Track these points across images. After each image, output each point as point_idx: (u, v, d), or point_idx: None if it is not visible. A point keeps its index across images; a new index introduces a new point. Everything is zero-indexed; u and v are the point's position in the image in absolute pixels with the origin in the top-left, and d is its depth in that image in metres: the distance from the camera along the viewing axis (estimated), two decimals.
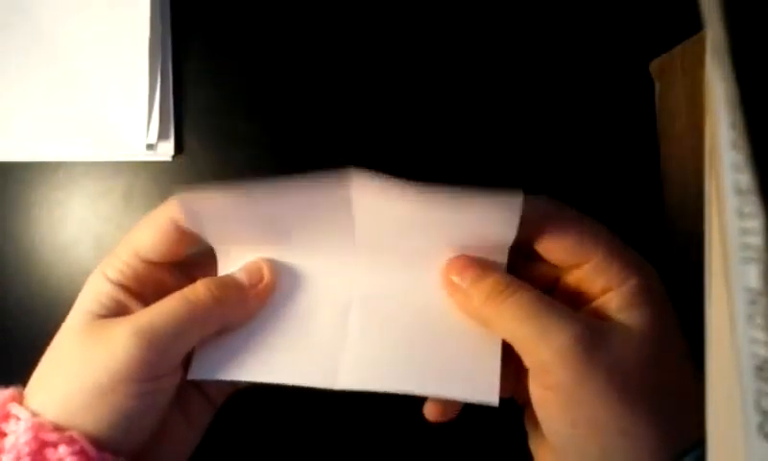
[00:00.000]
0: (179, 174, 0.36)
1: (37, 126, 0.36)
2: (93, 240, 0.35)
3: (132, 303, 0.27)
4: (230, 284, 0.27)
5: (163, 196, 0.36)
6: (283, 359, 0.27)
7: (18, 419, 0.24)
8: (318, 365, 0.27)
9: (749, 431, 0.16)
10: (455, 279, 0.26)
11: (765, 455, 0.16)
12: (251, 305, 0.28)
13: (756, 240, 0.15)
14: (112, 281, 0.27)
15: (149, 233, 0.28)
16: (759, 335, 0.15)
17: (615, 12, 0.37)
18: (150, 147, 0.36)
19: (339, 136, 0.36)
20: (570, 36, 0.37)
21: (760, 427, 0.16)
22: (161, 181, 0.36)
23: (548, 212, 0.26)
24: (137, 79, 0.36)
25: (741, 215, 0.15)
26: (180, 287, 0.28)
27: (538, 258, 0.27)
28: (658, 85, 0.36)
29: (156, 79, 0.36)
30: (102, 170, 0.36)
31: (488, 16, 0.37)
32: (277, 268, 0.28)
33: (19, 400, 0.26)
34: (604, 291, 0.25)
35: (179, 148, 0.36)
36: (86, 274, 0.35)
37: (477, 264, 0.26)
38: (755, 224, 0.15)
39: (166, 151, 0.36)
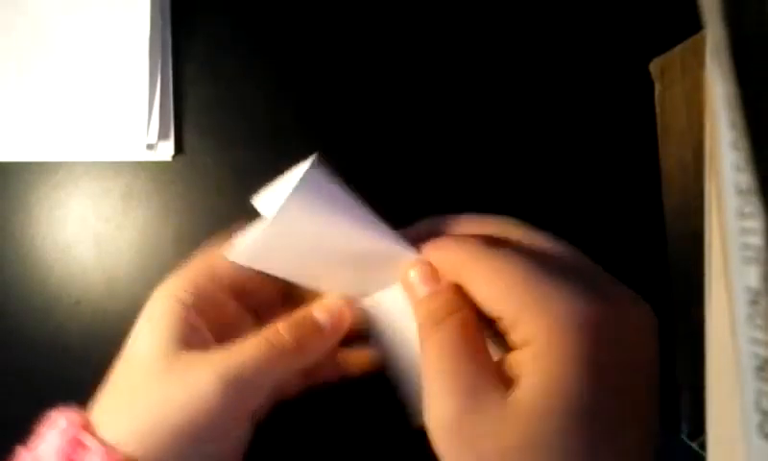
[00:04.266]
0: (179, 174, 0.36)
1: (37, 126, 0.36)
2: (93, 240, 0.35)
3: (203, 328, 0.26)
4: (311, 328, 0.26)
5: (163, 196, 0.36)
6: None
7: (89, 449, 0.24)
8: None
9: (749, 431, 0.16)
10: (414, 284, 0.24)
11: (765, 455, 0.16)
12: (329, 345, 0.26)
13: (757, 240, 0.15)
14: (189, 306, 0.26)
15: (230, 265, 0.26)
16: (759, 335, 0.15)
17: (615, 12, 0.37)
18: (150, 147, 0.36)
19: (339, 137, 0.36)
20: (570, 36, 0.37)
21: (760, 427, 0.16)
22: (161, 181, 0.36)
23: (464, 261, 0.23)
24: (137, 79, 0.36)
25: (741, 215, 0.15)
26: (239, 312, 0.27)
27: None
28: (658, 85, 0.36)
29: (156, 78, 0.36)
30: (102, 170, 0.36)
31: (488, 17, 0.37)
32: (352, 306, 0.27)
33: (89, 428, 0.25)
34: (522, 344, 0.22)
35: (179, 148, 0.36)
36: (86, 273, 0.35)
37: (435, 279, 0.24)
38: (755, 224, 0.15)
39: (166, 151, 0.36)
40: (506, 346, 0.22)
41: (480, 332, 0.22)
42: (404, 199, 0.34)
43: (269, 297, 0.29)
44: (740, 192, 0.15)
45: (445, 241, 0.24)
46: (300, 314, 0.26)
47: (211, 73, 0.37)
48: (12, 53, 0.36)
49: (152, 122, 0.36)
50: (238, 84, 0.37)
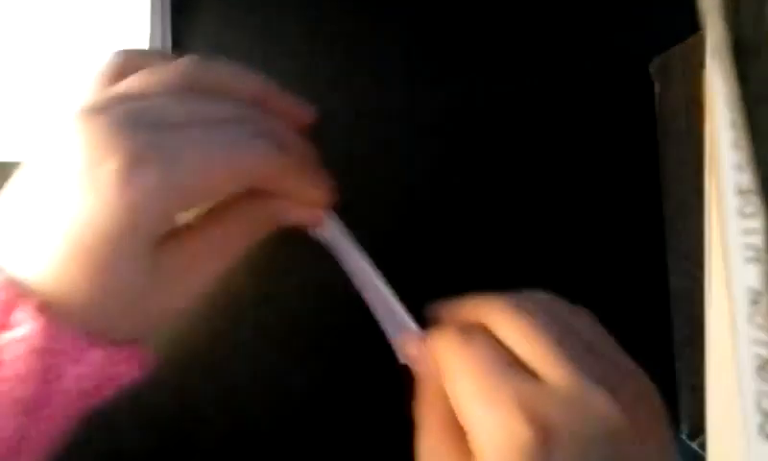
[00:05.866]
0: None
1: (38, 126, 0.36)
2: None
3: None
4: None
5: None
6: None
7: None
8: None
9: (749, 431, 0.16)
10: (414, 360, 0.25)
11: (765, 455, 0.16)
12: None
13: (757, 240, 0.15)
14: None
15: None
16: (759, 335, 0.15)
17: (615, 12, 0.37)
18: None
19: (338, 136, 0.36)
20: (570, 36, 0.37)
21: (761, 427, 0.16)
22: None
23: (437, 354, 0.24)
24: None
25: (742, 215, 0.15)
26: None
27: None
28: (658, 85, 0.36)
29: None
30: None
31: (488, 16, 0.37)
32: None
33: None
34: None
35: None
36: None
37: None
38: (755, 224, 0.15)
39: None
40: None
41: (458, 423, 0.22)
42: (403, 195, 0.34)
43: None
44: (740, 192, 0.15)
45: (432, 333, 0.24)
46: None
47: None
48: (11, 53, 0.36)
49: None
50: None
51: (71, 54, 0.36)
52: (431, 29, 0.37)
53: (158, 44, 0.36)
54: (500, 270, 0.35)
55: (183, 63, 0.24)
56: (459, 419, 0.22)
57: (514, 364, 0.21)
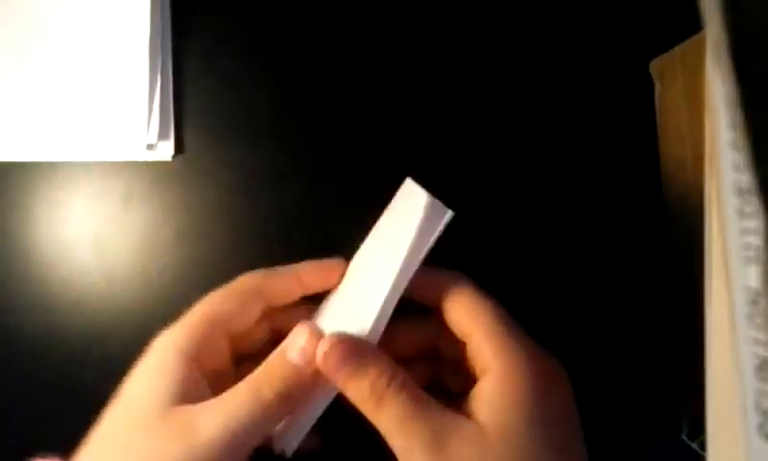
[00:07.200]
0: (179, 174, 0.36)
1: (37, 126, 0.36)
2: (93, 240, 0.35)
3: (201, 379, 0.26)
4: (292, 375, 0.26)
5: (163, 196, 0.36)
6: None
7: None
8: None
9: (749, 431, 0.16)
10: (330, 368, 0.26)
11: (765, 455, 0.16)
12: (310, 384, 0.27)
13: (756, 240, 0.15)
14: (191, 358, 0.26)
15: (233, 305, 0.27)
16: (759, 335, 0.15)
17: (615, 12, 0.37)
18: (150, 147, 0.36)
19: (340, 135, 0.36)
20: (570, 36, 0.37)
21: (760, 427, 0.16)
22: (161, 181, 0.36)
23: (451, 283, 0.28)
24: (137, 78, 0.36)
25: (741, 215, 0.15)
26: (230, 355, 0.28)
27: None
28: (658, 85, 0.36)
29: (155, 78, 0.36)
30: (102, 170, 0.36)
31: (489, 16, 0.37)
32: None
33: None
34: (482, 373, 0.26)
35: (179, 148, 0.36)
36: (86, 274, 0.35)
37: (354, 356, 0.25)
38: (755, 224, 0.15)
39: (166, 151, 0.36)
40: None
41: (417, 383, 0.25)
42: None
43: (257, 337, 0.30)
44: (740, 192, 0.15)
45: (433, 270, 0.28)
46: (276, 362, 0.26)
47: (211, 73, 0.37)
48: (11, 53, 0.36)
49: (152, 122, 0.36)
50: (238, 83, 0.37)
51: (71, 53, 0.36)
52: (431, 29, 0.37)
53: (158, 44, 0.36)
54: (500, 271, 0.35)
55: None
56: (468, 333, 0.27)
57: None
